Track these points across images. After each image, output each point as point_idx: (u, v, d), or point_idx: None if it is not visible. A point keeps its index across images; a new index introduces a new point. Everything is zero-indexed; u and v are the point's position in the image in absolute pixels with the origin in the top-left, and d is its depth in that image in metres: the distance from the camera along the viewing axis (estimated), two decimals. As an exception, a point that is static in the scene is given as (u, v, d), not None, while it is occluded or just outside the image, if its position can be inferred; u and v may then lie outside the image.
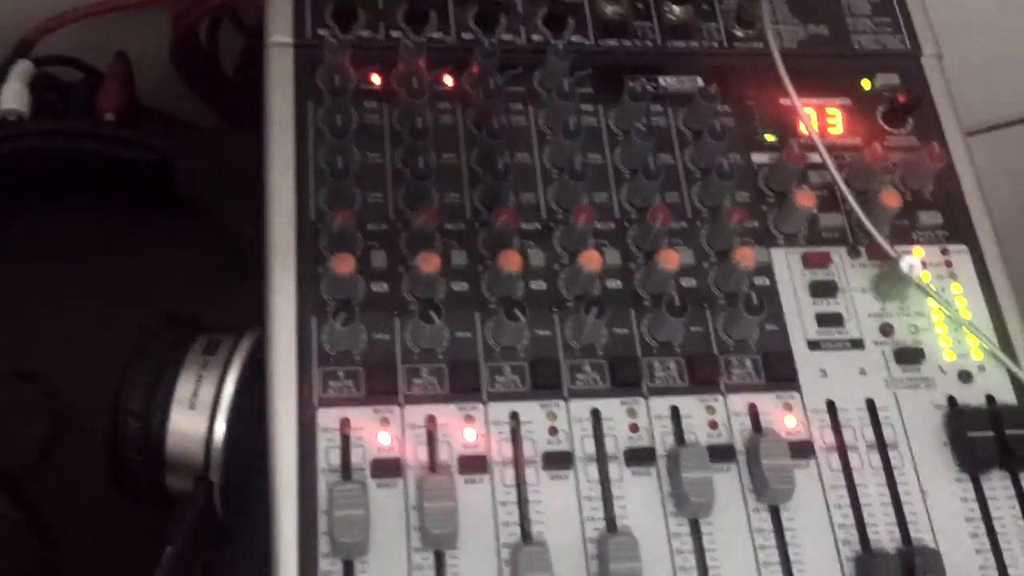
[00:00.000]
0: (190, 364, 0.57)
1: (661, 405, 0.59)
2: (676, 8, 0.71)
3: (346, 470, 0.55)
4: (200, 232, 0.71)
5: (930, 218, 0.68)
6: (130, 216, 0.72)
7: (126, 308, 0.67)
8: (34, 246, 0.71)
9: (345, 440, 0.56)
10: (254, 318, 0.60)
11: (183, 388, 0.57)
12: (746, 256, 0.61)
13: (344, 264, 0.57)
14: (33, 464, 0.63)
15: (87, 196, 0.71)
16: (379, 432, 0.56)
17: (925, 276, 0.66)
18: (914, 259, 0.63)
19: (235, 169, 0.72)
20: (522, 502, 0.56)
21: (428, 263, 0.58)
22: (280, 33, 0.66)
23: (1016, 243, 0.74)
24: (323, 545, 0.53)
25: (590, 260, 0.59)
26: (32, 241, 0.71)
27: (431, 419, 0.57)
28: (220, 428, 0.56)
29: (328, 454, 0.55)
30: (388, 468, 0.55)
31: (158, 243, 0.72)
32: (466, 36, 0.68)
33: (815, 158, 0.67)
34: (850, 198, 0.65)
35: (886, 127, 0.71)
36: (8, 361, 0.67)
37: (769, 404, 0.60)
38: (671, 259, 0.60)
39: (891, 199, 0.65)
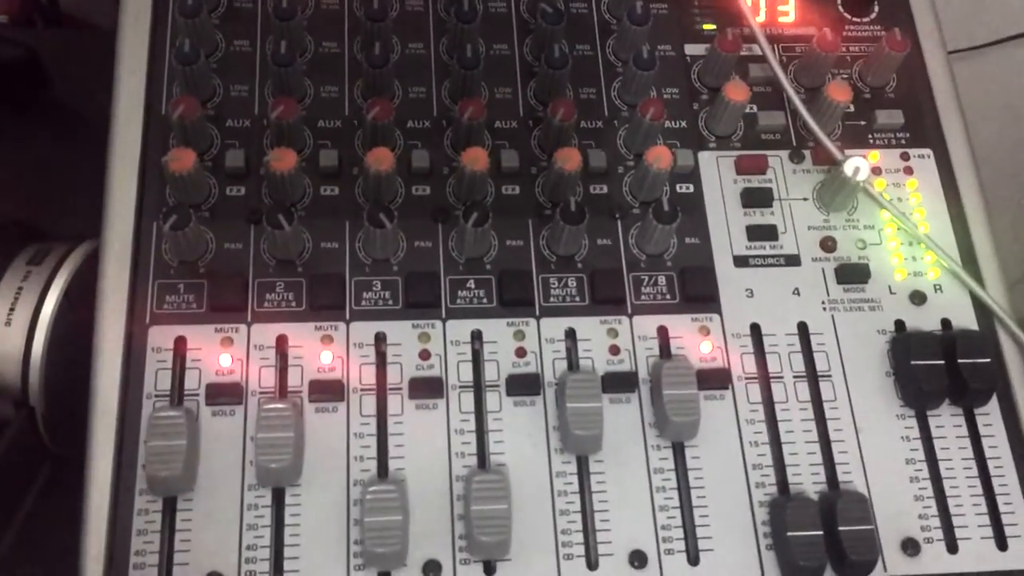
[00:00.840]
0: (10, 275, 0.51)
1: (555, 327, 0.52)
2: None
3: (177, 395, 0.48)
4: (69, 136, 0.65)
5: (889, 117, 0.59)
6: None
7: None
8: None
9: (179, 361, 0.49)
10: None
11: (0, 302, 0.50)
12: (660, 156, 0.53)
13: (182, 160, 0.50)
14: None
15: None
16: (220, 353, 0.49)
17: (879, 183, 0.57)
18: (861, 161, 0.55)
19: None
20: (382, 434, 0.49)
21: (283, 160, 0.51)
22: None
23: (990, 162, 0.65)
24: (141, 480, 0.47)
25: (475, 159, 0.52)
26: None
27: (282, 339, 0.50)
28: (39, 347, 0.50)
29: (157, 377, 0.49)
30: (226, 393, 0.48)
31: (20, 146, 0.65)
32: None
33: (758, 50, 0.59)
34: (790, 90, 0.57)
35: (847, 14, 0.62)
36: None
37: (682, 327, 0.53)
38: (571, 158, 0.52)
39: (839, 92, 0.56)
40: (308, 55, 0.56)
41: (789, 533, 0.47)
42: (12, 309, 0.50)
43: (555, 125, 0.54)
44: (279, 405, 0.47)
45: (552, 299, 0.52)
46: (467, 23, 0.55)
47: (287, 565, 0.46)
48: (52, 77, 0.67)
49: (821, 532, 0.47)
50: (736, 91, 0.56)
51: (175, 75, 0.54)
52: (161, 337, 0.49)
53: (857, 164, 0.54)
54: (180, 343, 0.49)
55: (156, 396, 0.48)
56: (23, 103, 0.65)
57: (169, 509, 0.46)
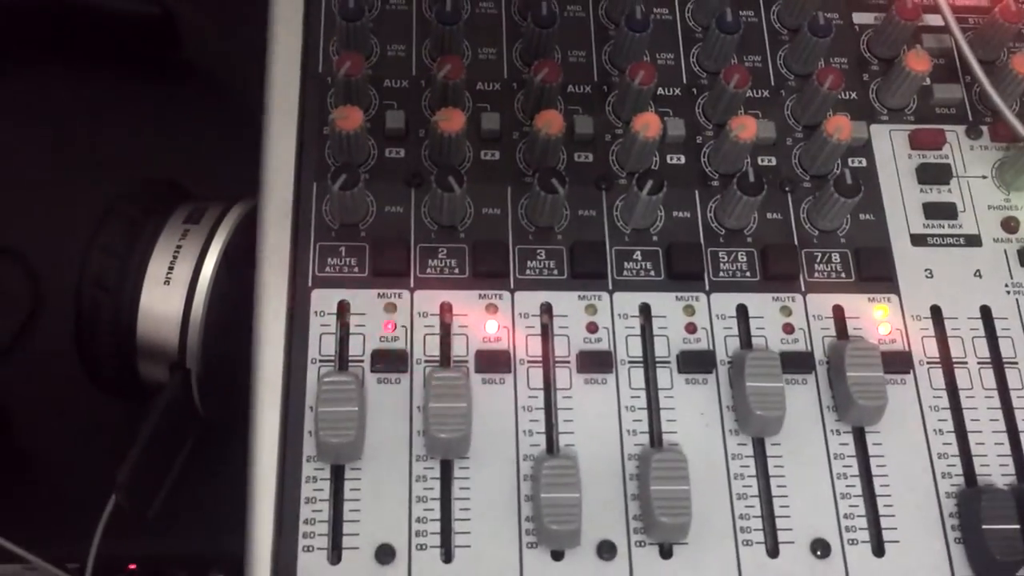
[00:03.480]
0: (168, 233, 0.51)
1: (726, 303, 0.51)
2: None
3: (341, 361, 0.48)
4: (202, 98, 0.65)
5: (1073, 94, 0.57)
6: (123, 78, 0.66)
7: (112, 180, 0.61)
8: (13, 110, 0.65)
9: (342, 326, 0.49)
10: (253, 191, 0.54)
11: (158, 260, 0.50)
12: (841, 126, 0.52)
13: (349, 118, 0.49)
14: (4, 347, 0.57)
15: (75, 55, 0.65)
16: (383, 319, 0.49)
17: (1063, 163, 0.56)
18: (1050, 138, 0.53)
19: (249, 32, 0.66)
20: (550, 408, 0.48)
21: (451, 121, 0.50)
22: None
23: None
24: (308, 447, 0.46)
25: (646, 125, 0.51)
26: (11, 104, 0.66)
27: (446, 307, 0.50)
28: (199, 308, 0.50)
29: (321, 341, 0.48)
30: (392, 360, 0.48)
31: (153, 109, 0.65)
32: None
33: (931, 20, 0.58)
34: (974, 63, 0.55)
35: (1024, -14, 0.61)
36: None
37: (859, 307, 0.52)
38: (747, 126, 0.51)
39: (1024, 65, 0.55)
40: (466, 15, 0.56)
41: (985, 527, 0.46)
42: (171, 268, 0.50)
43: (729, 93, 0.53)
44: (452, 374, 0.46)
45: (722, 274, 0.52)
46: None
47: (457, 540, 0.46)
48: (183, 38, 0.67)
49: (1018, 526, 0.46)
50: (917, 61, 0.55)
51: (333, 34, 0.54)
52: (324, 300, 0.49)
53: (1047, 141, 0.53)
54: (343, 308, 0.49)
55: (321, 360, 0.48)
56: (155, 64, 0.66)
57: (336, 478, 0.46)
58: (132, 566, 0.56)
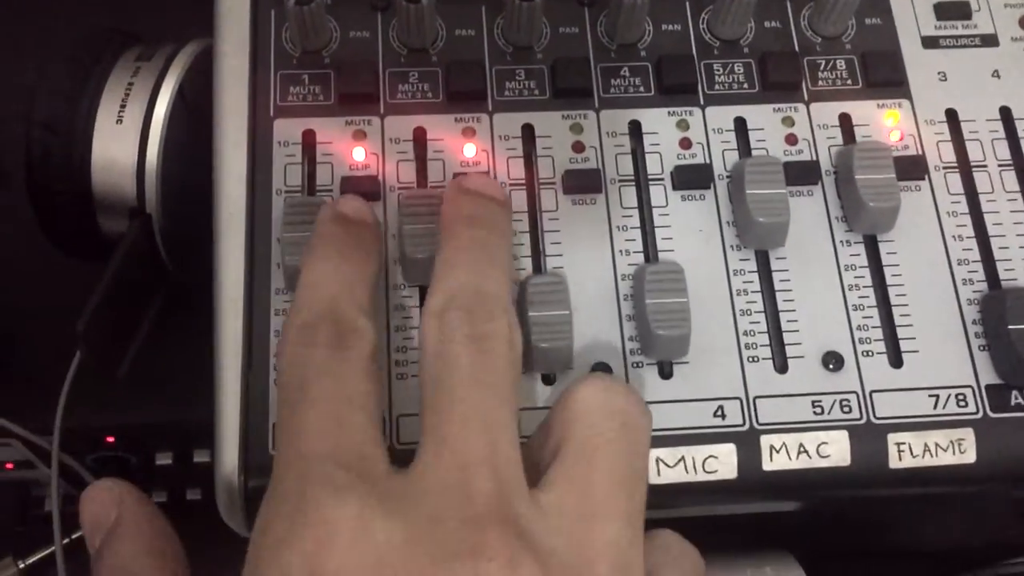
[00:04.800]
0: (119, 72, 0.48)
1: (723, 116, 0.48)
2: None
3: (309, 191, 0.46)
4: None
5: None
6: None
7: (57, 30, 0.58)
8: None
9: (308, 156, 0.46)
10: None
11: (109, 99, 0.47)
12: (838, -81, 0.49)
13: (302, -69, 0.46)
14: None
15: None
16: (353, 147, 0.46)
17: (1085, -44, 0.52)
18: (1070, -78, 0.50)
19: None
20: (536, 231, 0.46)
21: (412, -68, 0.47)
22: None
23: None
24: (276, 279, 0.44)
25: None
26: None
27: (420, 131, 0.47)
28: (154, 147, 0.47)
29: (286, 172, 0.46)
30: (362, 187, 0.45)
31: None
32: None
33: None
34: None
35: None
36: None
37: (868, 114, 0.49)
38: None
39: None
40: None
41: (1011, 327, 0.43)
42: (123, 106, 0.47)
43: None
44: (426, 192, 0.44)
45: (717, 86, 0.49)
46: None
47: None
48: None
49: (1047, 324, 0.43)
50: None
51: None
52: (288, 130, 0.46)
53: (1067, -76, 0.49)
54: (308, 136, 0.46)
55: (286, 191, 0.45)
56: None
57: (308, 309, 0.43)
58: (110, 439, 0.54)
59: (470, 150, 0.47)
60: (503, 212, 0.42)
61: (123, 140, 0.47)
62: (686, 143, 0.47)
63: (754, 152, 0.47)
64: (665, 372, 0.43)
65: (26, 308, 0.54)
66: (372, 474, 0.35)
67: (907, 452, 0.42)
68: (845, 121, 0.48)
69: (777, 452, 0.42)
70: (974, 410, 0.43)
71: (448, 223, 0.41)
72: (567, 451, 0.36)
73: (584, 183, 0.46)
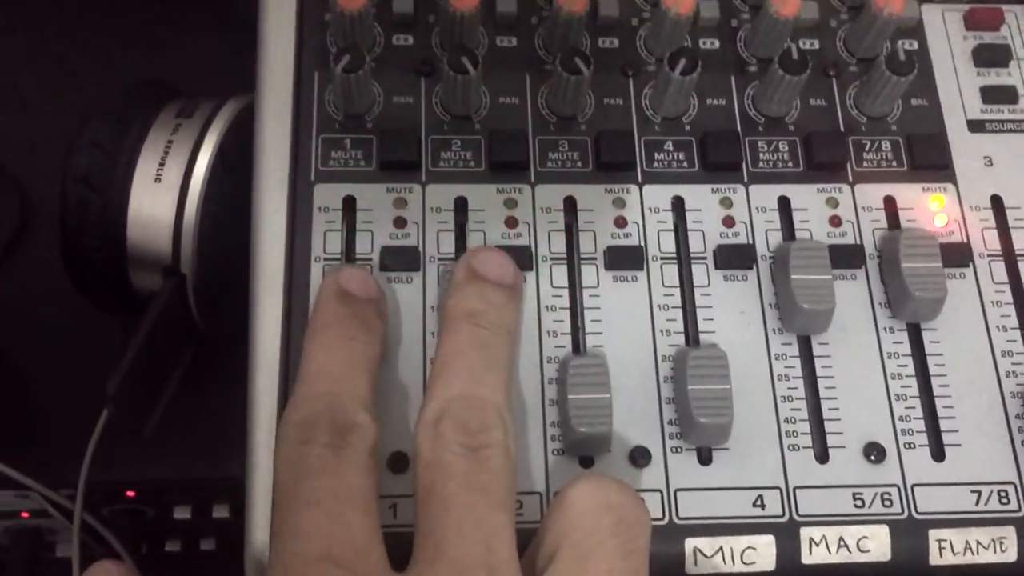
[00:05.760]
0: (159, 127, 0.48)
1: (767, 194, 0.48)
2: None
3: (348, 259, 0.46)
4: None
5: None
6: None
7: (94, 84, 0.59)
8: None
9: (348, 222, 0.46)
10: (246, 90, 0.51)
11: (148, 156, 0.47)
12: (891, 1, 0.49)
13: (351, -2, 0.47)
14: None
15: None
16: (393, 215, 0.46)
17: None
18: (1121, 11, 0.50)
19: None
20: (578, 308, 0.46)
21: (467, 1, 0.47)
22: None
23: None
24: (313, 348, 0.44)
25: (678, 1, 0.48)
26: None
27: (461, 201, 0.47)
28: (192, 207, 0.47)
29: (326, 239, 0.46)
30: (403, 257, 0.45)
31: (131, 9, 0.62)
32: None
33: None
34: (1034, -69, 0.52)
35: None
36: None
37: (912, 197, 0.49)
38: (788, 2, 0.48)
39: (1091, -66, 0.51)
40: None
41: (1056, 424, 0.43)
42: (162, 164, 0.47)
43: (766, -34, 0.50)
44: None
45: (761, 164, 0.49)
46: None
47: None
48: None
49: (1093, 423, 0.43)
50: (973, -70, 0.51)
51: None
52: (328, 195, 0.46)
53: (1118, 13, 0.50)
54: (349, 202, 0.46)
55: (325, 259, 0.45)
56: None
57: (345, 381, 0.43)
58: (131, 493, 0.53)
59: (512, 221, 0.46)
60: (510, 303, 0.42)
61: (161, 198, 0.47)
62: (729, 221, 0.47)
63: (798, 233, 0.47)
64: (704, 458, 0.43)
65: (51, 358, 0.54)
66: (370, 574, 0.35)
67: (948, 549, 0.42)
68: (889, 204, 0.48)
69: (817, 545, 0.42)
70: (1016, 508, 0.43)
71: (451, 316, 0.41)
72: (562, 556, 0.36)
73: (626, 259, 0.46)
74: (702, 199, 0.48)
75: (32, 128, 0.59)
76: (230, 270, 0.47)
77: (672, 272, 0.46)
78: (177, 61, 0.60)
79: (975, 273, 0.47)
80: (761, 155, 0.49)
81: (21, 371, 0.53)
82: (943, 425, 0.44)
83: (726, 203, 0.48)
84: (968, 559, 0.42)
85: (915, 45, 0.52)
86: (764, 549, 0.42)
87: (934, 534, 0.42)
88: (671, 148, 0.48)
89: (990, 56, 0.52)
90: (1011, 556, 0.42)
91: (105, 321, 0.53)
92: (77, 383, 0.51)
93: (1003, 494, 0.43)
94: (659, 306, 0.46)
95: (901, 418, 0.44)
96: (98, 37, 0.62)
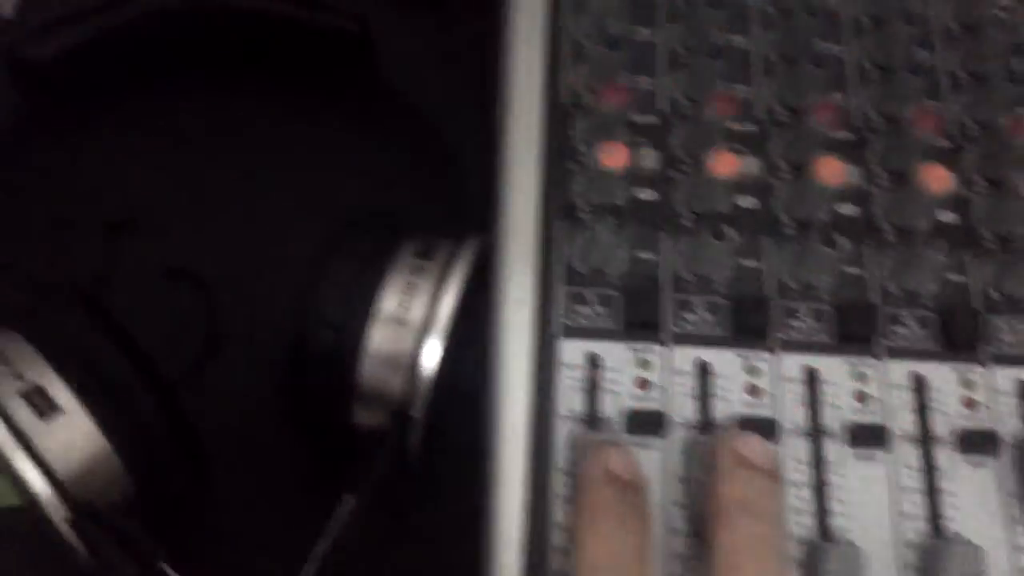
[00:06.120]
0: (400, 268, 0.49)
1: (1004, 377, 0.48)
2: None
3: (592, 419, 0.46)
4: (401, 125, 0.63)
5: None
6: (312, 100, 0.64)
7: (300, 206, 0.60)
8: (189, 130, 0.64)
9: (592, 381, 0.46)
10: (460, 226, 0.52)
11: (390, 296, 0.48)
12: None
13: (616, 155, 0.47)
14: (190, 373, 0.55)
15: (262, 71, 0.63)
16: (638, 376, 0.46)
17: None
18: None
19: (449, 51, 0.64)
20: (819, 485, 0.45)
21: (724, 164, 0.47)
22: None
23: None
24: (558, 512, 0.44)
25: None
26: (186, 124, 0.64)
27: (703, 367, 0.47)
28: (433, 351, 0.47)
29: (570, 397, 0.46)
30: (647, 423, 0.45)
31: (343, 134, 0.64)
32: None
33: None
34: None
35: None
36: (166, 261, 0.60)
37: None
38: (938, 177, 0.48)
39: None
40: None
41: None
42: (404, 306, 0.47)
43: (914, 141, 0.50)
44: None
45: (1005, 347, 0.48)
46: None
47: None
48: (379, 59, 0.65)
49: None
50: None
51: (577, 60, 0.52)
52: (573, 352, 0.47)
53: None
54: (593, 361, 0.46)
55: (570, 418, 0.45)
56: (348, 87, 0.64)
57: (592, 550, 0.43)
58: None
59: (754, 390, 0.46)
60: (777, 492, 0.42)
61: (401, 339, 0.47)
62: (969, 402, 0.47)
63: (1046, 423, 0.47)
64: (950, 658, 0.43)
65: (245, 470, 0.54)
66: None
67: None
68: None
69: None
70: None
71: (724, 507, 0.41)
72: None
73: (869, 437, 0.46)
74: (942, 378, 0.48)
75: (229, 240, 0.60)
76: (453, 411, 0.48)
77: (913, 453, 0.46)
78: (384, 188, 0.61)
79: None
80: (1003, 336, 0.48)
81: (209, 476, 0.53)
82: None
83: (968, 385, 0.47)
84: None
85: None
86: None
87: None
88: (911, 322, 0.48)
89: None
90: None
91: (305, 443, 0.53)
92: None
93: None
94: (901, 488, 0.45)
95: None
96: (311, 156, 0.63)
